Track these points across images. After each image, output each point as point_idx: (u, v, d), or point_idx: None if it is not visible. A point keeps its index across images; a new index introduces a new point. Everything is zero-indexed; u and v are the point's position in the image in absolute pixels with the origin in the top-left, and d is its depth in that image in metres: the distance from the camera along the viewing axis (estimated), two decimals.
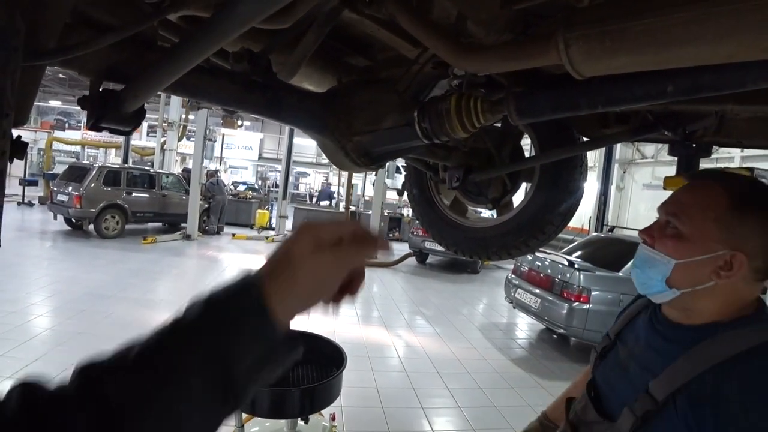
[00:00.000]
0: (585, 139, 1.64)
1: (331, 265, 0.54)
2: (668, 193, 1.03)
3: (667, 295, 0.94)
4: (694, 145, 1.54)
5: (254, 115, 1.49)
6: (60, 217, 11.80)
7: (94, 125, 1.01)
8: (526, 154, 1.98)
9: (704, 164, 1.62)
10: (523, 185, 1.97)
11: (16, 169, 19.86)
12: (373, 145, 1.30)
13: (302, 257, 0.53)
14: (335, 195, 23.86)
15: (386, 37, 1.45)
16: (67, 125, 30.53)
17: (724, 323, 0.88)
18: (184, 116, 16.27)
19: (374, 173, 13.65)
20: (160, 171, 13.84)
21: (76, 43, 0.85)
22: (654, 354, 0.96)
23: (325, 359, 2.26)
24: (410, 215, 16.03)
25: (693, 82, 0.92)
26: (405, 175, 2.32)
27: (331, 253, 0.53)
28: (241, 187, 21.71)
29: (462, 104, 1.11)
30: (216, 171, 15.38)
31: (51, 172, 17.05)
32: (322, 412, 2.43)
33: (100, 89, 1.05)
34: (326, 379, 1.98)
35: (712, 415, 0.79)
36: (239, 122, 23.13)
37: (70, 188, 10.94)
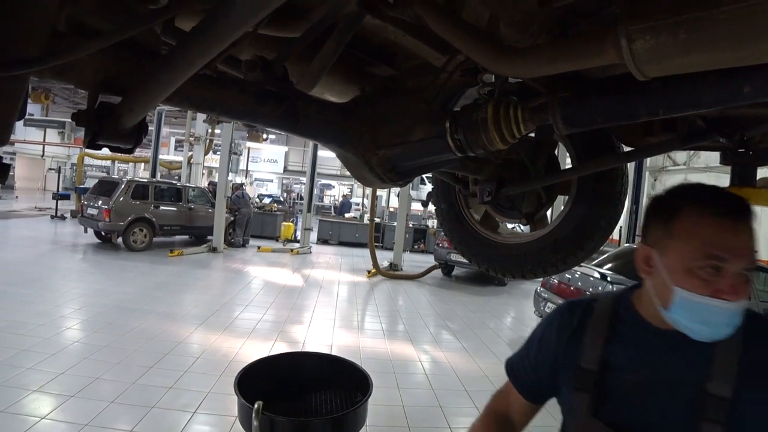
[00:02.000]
0: (627, 148, 1.51)
1: None
2: None
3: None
4: (750, 152, 1.39)
5: (269, 129, 1.41)
6: (90, 230, 12.05)
7: (91, 143, 0.93)
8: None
9: (762, 173, 1.47)
10: (559, 198, 1.85)
11: (51, 183, 20.46)
12: (400, 160, 1.20)
13: None
14: (357, 205, 24.00)
15: (411, 44, 1.36)
16: None
17: None
18: (210, 130, 16.53)
19: None
20: (187, 185, 14.05)
21: (58, 50, 0.78)
22: (683, 361, 0.91)
23: (349, 383, 2.15)
24: (435, 227, 15.88)
25: None
26: (432, 187, 2.21)
27: None
28: (267, 200, 21.90)
29: (500, 113, 1.00)
30: (241, 184, 15.52)
31: (82, 186, 17.51)
32: None
33: (97, 103, 0.96)
34: (351, 408, 1.86)
35: None
36: (264, 136, 23.45)
37: (100, 202, 11.18)
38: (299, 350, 5.01)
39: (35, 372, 4.29)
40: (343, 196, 26.48)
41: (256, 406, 1.70)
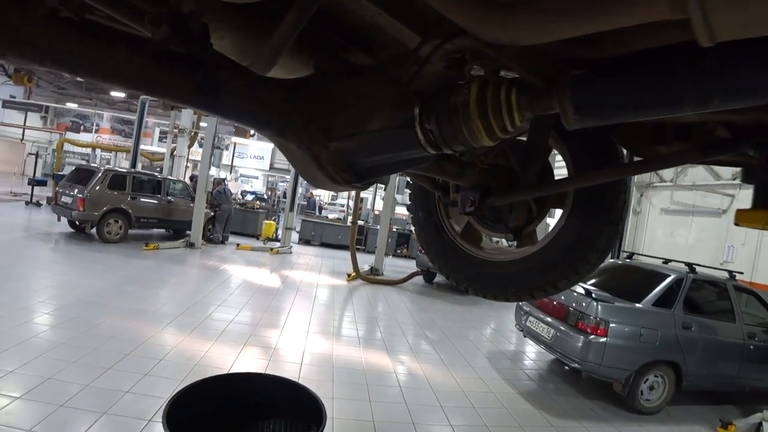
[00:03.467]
0: (636, 158, 1.29)
1: None
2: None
3: None
4: None
5: (179, 105, 1.12)
6: (64, 219, 11.63)
7: None
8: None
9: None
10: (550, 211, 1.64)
11: (30, 168, 19.91)
12: (356, 155, 0.93)
13: None
14: (342, 207, 23.79)
15: (390, 26, 1.14)
16: (82, 128, 30.80)
17: None
18: (195, 123, 16.18)
19: (383, 186, 13.35)
20: (168, 177, 13.68)
21: None
22: None
23: (304, 412, 1.91)
24: None
25: None
26: (409, 193, 1.97)
27: None
28: (249, 197, 21.52)
29: (488, 95, 0.75)
30: (223, 179, 15.18)
31: (60, 173, 17.02)
32: None
33: None
34: None
35: None
36: (251, 132, 23.07)
37: (75, 191, 10.77)
38: (253, 371, 4.70)
39: None
40: (309, 194, 25.65)
41: None
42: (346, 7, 1.14)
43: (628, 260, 7.67)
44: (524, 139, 1.46)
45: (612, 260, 8.11)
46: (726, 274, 6.46)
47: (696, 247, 12.25)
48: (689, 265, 6.12)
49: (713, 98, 0.64)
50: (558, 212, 1.57)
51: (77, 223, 11.33)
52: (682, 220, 13.26)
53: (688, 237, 12.94)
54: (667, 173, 13.97)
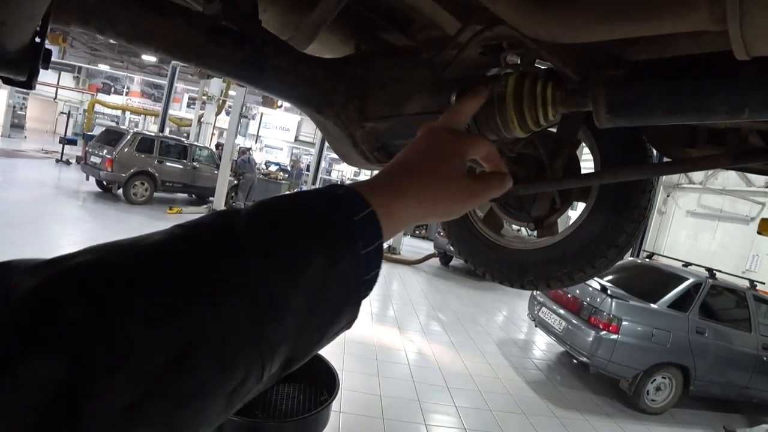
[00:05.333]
0: (666, 159, 1.29)
1: (466, 200, 0.49)
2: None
3: None
4: None
5: (226, 77, 1.15)
6: (92, 179, 11.92)
7: None
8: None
9: None
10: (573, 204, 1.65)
11: (61, 127, 20.39)
12: (391, 137, 0.97)
13: (437, 178, 0.47)
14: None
15: (429, 9, 1.15)
16: (113, 89, 31.26)
17: None
18: (224, 91, 16.29)
19: None
20: (195, 143, 13.86)
21: None
22: None
23: (317, 379, 1.99)
24: None
25: None
26: None
27: (468, 184, 0.49)
28: (273, 168, 21.69)
29: (525, 88, 0.78)
30: (248, 149, 15.32)
31: (90, 133, 17.37)
32: None
33: None
34: (312, 411, 1.69)
35: None
36: (279, 103, 23.14)
37: (104, 151, 11.02)
38: None
39: None
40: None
41: None
42: None
43: (647, 260, 7.59)
44: (554, 130, 1.47)
45: (631, 259, 8.04)
46: (747, 283, 6.35)
47: (719, 253, 12.02)
48: (709, 270, 6.04)
49: (744, 107, 0.66)
50: (581, 206, 1.59)
51: (105, 183, 11.59)
52: (707, 224, 13.00)
53: (711, 242, 12.69)
54: (697, 175, 13.65)
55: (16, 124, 25.87)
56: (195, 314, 0.31)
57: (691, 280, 5.76)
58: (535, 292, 6.79)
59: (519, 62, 1.10)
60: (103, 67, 31.55)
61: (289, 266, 0.36)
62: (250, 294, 0.33)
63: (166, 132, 16.99)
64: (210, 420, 0.32)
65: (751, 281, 6.40)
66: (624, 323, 5.26)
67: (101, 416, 0.26)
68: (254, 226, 0.37)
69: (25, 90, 29.14)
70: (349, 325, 0.42)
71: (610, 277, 6.26)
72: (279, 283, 0.35)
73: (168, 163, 11.92)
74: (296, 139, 31.63)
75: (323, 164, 18.42)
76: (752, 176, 11.19)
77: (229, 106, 17.41)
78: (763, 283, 7.11)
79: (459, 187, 0.48)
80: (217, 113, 17.09)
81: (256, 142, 25.50)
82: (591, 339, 5.35)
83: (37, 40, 0.75)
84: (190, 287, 0.32)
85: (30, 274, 0.29)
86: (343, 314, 0.40)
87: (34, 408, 0.25)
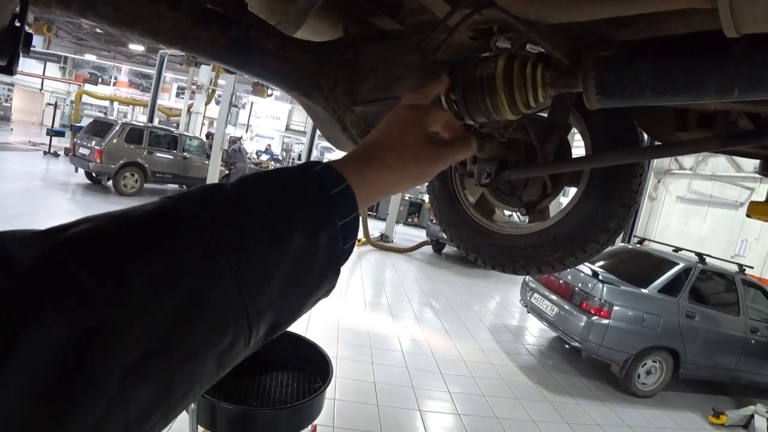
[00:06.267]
0: (656, 142, 1.29)
1: (432, 162, 0.52)
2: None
3: None
4: None
5: (211, 61, 1.12)
6: (81, 170, 11.78)
7: None
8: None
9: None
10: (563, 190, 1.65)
11: (48, 118, 20.08)
12: (380, 120, 0.97)
13: (402, 146, 0.51)
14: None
15: None
16: (100, 80, 30.80)
17: None
18: (213, 80, 16.13)
19: None
20: (184, 133, 13.73)
21: None
22: None
23: (310, 366, 1.99)
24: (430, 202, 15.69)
25: None
26: None
27: (432, 149, 0.52)
28: (264, 157, 21.55)
29: (515, 69, 0.77)
30: (239, 138, 15.21)
31: (78, 124, 17.14)
32: None
33: None
34: (306, 399, 1.69)
35: None
36: (269, 91, 22.94)
37: (93, 143, 10.88)
38: None
39: None
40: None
41: None
42: None
43: (638, 245, 7.65)
44: (545, 115, 1.46)
45: (622, 244, 8.10)
46: (736, 268, 6.43)
47: (709, 238, 12.14)
48: (699, 254, 6.10)
49: (734, 87, 0.65)
50: (572, 190, 1.59)
51: (94, 174, 11.47)
52: (697, 210, 13.11)
53: (701, 227, 12.81)
54: (687, 161, 13.75)
55: (2, 117, 25.49)
56: (194, 279, 0.33)
57: (681, 265, 5.82)
58: (527, 278, 6.83)
59: (510, 47, 1.09)
60: (90, 57, 31.05)
61: (277, 236, 0.38)
62: (243, 261, 0.36)
63: (156, 122, 16.81)
64: (203, 380, 0.35)
65: (740, 266, 6.48)
66: (615, 308, 5.31)
67: (111, 372, 0.29)
68: (243, 198, 0.39)
69: (10, 82, 28.47)
70: (328, 293, 0.45)
71: (601, 263, 6.31)
72: (268, 251, 0.37)
73: (158, 154, 11.80)
74: (287, 128, 31.43)
75: (315, 153, 18.32)
76: (742, 161, 11.28)
77: (219, 96, 17.25)
78: (752, 267, 7.21)
79: (424, 152, 0.51)
80: (207, 102, 16.92)
81: (246, 132, 25.30)
82: (582, 324, 5.41)
83: (17, 23, 0.74)
84: (188, 255, 0.34)
85: (33, 243, 0.32)
86: (324, 282, 0.43)
87: (48, 364, 0.27)
